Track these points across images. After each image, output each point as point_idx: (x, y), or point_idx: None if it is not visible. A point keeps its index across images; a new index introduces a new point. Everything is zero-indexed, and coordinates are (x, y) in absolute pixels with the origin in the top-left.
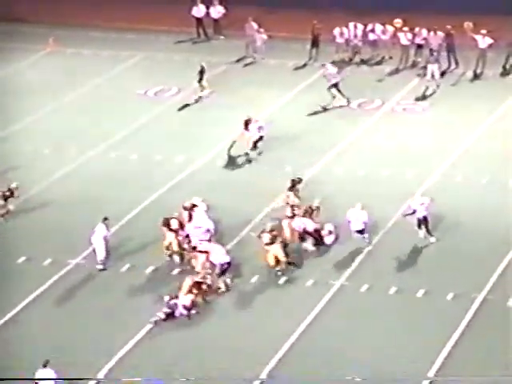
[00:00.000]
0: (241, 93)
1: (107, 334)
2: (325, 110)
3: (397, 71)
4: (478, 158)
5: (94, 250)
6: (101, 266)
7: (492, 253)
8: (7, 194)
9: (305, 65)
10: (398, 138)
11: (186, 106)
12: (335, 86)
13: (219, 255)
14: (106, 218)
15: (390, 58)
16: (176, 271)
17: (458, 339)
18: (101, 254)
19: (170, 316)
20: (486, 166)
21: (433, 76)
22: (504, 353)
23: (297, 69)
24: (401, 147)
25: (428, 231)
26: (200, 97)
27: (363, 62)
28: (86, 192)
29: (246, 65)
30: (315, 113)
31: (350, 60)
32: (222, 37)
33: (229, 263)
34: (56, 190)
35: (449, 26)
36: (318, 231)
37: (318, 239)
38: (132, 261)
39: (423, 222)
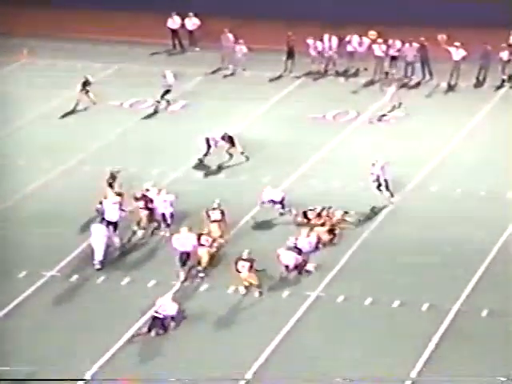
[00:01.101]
0: (216, 104)
1: (85, 345)
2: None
3: (372, 83)
4: (453, 169)
5: (92, 252)
6: (98, 266)
7: (466, 263)
8: None
9: (280, 76)
10: (373, 149)
11: (160, 117)
12: (166, 93)
13: (184, 244)
14: (103, 219)
15: (365, 69)
16: (151, 283)
17: (433, 350)
18: (99, 254)
19: (155, 326)
20: (460, 177)
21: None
22: (479, 362)
23: (272, 80)
24: (376, 158)
25: (390, 192)
26: (76, 105)
27: (339, 73)
28: (60, 205)
29: (225, 76)
30: (291, 124)
31: (326, 71)
32: (198, 49)
33: (188, 254)
34: (29, 203)
35: (423, 38)
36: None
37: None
38: (109, 273)
39: (384, 183)
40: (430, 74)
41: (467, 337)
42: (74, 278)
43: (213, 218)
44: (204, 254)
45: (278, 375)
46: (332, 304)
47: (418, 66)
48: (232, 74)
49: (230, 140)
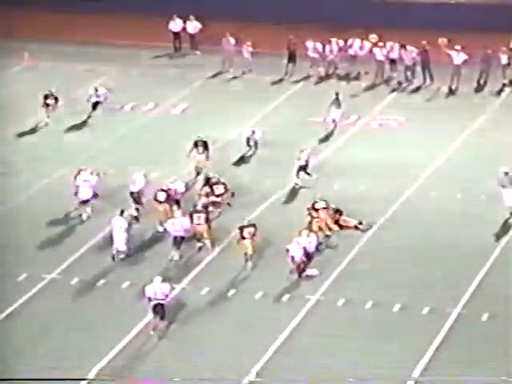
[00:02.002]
0: (217, 108)
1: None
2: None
3: (373, 86)
4: (453, 173)
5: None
6: (122, 255)
7: (466, 267)
8: None
9: (281, 80)
10: (373, 153)
11: (161, 120)
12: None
13: (177, 227)
14: (122, 211)
15: (366, 73)
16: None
17: (433, 354)
18: (121, 246)
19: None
20: (460, 181)
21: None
22: (479, 367)
23: (274, 84)
24: (377, 162)
25: (307, 173)
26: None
27: (340, 77)
28: (61, 207)
29: (229, 80)
30: (291, 128)
31: (327, 75)
32: (198, 52)
33: (182, 237)
34: (31, 205)
35: (424, 42)
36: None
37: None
38: (110, 276)
39: (304, 168)
40: (431, 77)
41: (467, 340)
42: (75, 280)
43: (217, 192)
44: (203, 230)
45: (278, 379)
46: (332, 308)
47: (418, 69)
48: (235, 78)
49: (205, 145)
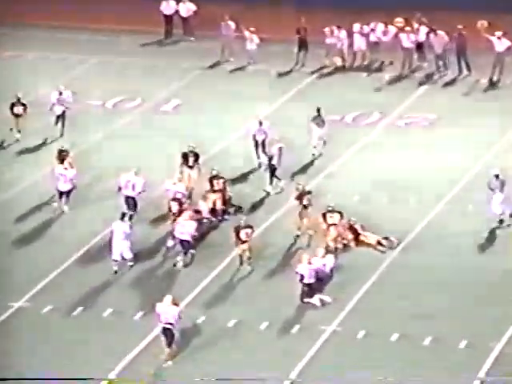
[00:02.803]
0: (215, 104)
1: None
2: None
3: (398, 79)
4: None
5: (109, 250)
6: (132, 263)
7: (496, 296)
8: None
9: (290, 71)
10: (399, 157)
11: (149, 119)
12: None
13: (181, 229)
14: (124, 215)
15: (391, 63)
16: (138, 315)
17: None
18: (127, 254)
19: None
20: (504, 192)
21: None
22: None
23: (282, 76)
24: (403, 168)
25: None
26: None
27: (360, 68)
28: (34, 218)
29: (229, 71)
30: (302, 129)
31: (344, 66)
32: (193, 38)
33: (188, 242)
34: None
35: (460, 26)
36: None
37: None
38: (86, 303)
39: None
40: (468, 68)
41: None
42: (47, 309)
43: (217, 188)
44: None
45: None
46: (351, 340)
47: (453, 58)
48: (236, 69)
49: (196, 157)
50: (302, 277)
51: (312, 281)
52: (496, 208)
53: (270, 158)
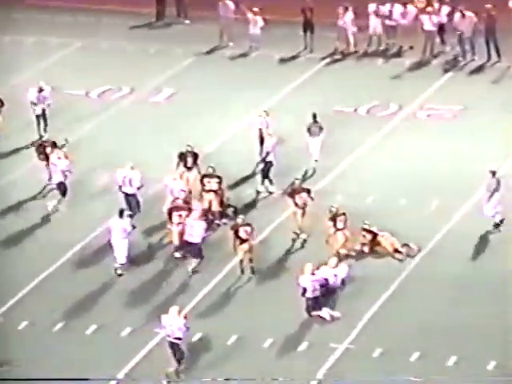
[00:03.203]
0: (213, 95)
1: None
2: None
3: (419, 65)
4: None
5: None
6: (119, 271)
7: None
8: None
9: (296, 56)
10: (419, 154)
11: (138, 111)
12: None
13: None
14: (122, 211)
15: (411, 47)
16: (126, 331)
17: None
18: (121, 256)
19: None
20: None
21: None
22: None
23: (286, 62)
24: (424, 166)
25: (269, 178)
26: None
27: (376, 53)
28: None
29: (228, 57)
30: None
31: (356, 52)
32: (188, 21)
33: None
34: None
35: (489, 6)
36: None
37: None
38: (70, 318)
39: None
40: (498, 53)
41: None
42: (23, 325)
43: (208, 188)
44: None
45: None
46: (366, 359)
47: (481, 42)
48: (237, 55)
49: (195, 158)
50: (305, 290)
51: (317, 294)
52: (489, 210)
53: (266, 155)
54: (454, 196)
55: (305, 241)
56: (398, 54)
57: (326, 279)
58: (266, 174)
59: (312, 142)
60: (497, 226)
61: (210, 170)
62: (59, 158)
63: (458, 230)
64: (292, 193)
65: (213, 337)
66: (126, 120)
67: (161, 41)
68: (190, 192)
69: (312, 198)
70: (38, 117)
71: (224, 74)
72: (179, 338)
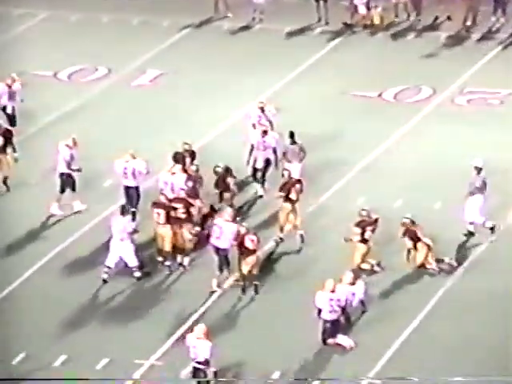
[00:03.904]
0: (204, 77)
1: None
2: None
3: (459, 40)
4: None
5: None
6: (139, 274)
7: None
8: None
9: (308, 30)
10: (458, 147)
11: (118, 95)
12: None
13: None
14: (124, 207)
15: (449, 18)
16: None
17: None
18: (132, 261)
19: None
20: None
21: None
22: None
23: (293, 35)
24: (463, 163)
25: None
26: None
27: (403, 26)
28: None
29: (226, 31)
30: (328, 108)
31: (372, 25)
32: None
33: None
34: None
35: None
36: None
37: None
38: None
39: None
40: None
41: None
42: None
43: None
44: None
45: None
46: None
47: None
48: (237, 29)
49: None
50: (320, 311)
51: (335, 316)
52: (470, 215)
53: (254, 162)
54: (500, 198)
55: (302, 238)
56: (432, 27)
57: (339, 299)
58: (263, 173)
59: (293, 168)
60: (471, 234)
61: (194, 168)
62: (67, 145)
63: (505, 239)
64: (285, 186)
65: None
66: (103, 107)
67: (144, 11)
68: (195, 183)
69: (302, 190)
70: (7, 115)
71: (221, 51)
72: (202, 363)
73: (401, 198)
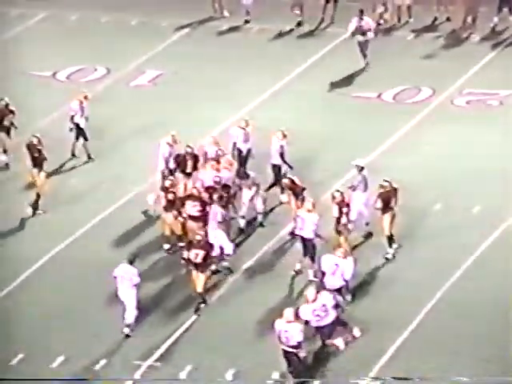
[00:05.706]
0: (203, 77)
1: None
2: None
3: (457, 40)
4: None
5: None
6: (127, 330)
7: None
8: None
9: (306, 30)
10: (458, 149)
11: (118, 95)
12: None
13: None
14: (134, 256)
15: (448, 19)
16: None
17: None
18: (131, 314)
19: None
20: None
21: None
22: None
23: (293, 36)
24: (463, 165)
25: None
26: None
27: (403, 26)
28: None
29: (224, 31)
30: (328, 108)
31: (378, 24)
32: None
33: (310, 240)
34: None
35: None
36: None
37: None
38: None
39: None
40: None
41: None
42: None
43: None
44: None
45: None
46: None
47: None
48: (234, 28)
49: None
50: (307, 322)
51: (327, 321)
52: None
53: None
54: (502, 199)
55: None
56: (432, 27)
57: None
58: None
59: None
60: (369, 235)
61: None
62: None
63: (503, 240)
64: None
65: (206, 370)
66: (102, 107)
67: (143, 11)
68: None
69: None
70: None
71: (219, 51)
72: (294, 346)
73: (400, 198)
